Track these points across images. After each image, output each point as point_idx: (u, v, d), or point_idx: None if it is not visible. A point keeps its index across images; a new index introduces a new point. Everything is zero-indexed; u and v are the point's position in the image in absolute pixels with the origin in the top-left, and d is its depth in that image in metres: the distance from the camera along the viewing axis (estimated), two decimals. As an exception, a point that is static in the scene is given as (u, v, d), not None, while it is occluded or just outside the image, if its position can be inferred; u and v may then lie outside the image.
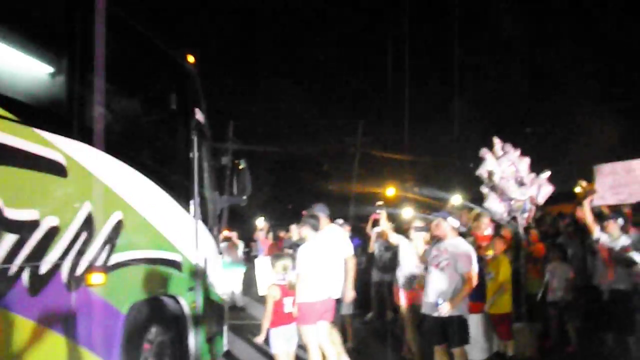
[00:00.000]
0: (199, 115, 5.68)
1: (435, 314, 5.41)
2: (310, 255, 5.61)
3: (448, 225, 5.67)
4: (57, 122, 3.55)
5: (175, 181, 5.08)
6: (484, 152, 8.73)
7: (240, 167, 6.51)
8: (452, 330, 5.38)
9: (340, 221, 12.67)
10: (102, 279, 3.80)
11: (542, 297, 7.25)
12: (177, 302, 4.97)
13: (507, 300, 6.48)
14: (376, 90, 28.18)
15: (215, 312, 6.02)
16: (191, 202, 5.26)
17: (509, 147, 9.16)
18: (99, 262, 3.80)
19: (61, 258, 3.45)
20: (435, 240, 5.84)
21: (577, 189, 8.18)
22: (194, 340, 5.13)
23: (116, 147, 4.09)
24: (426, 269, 5.81)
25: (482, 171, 8.99)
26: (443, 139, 22.05)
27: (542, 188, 8.57)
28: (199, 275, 5.60)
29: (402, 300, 7.01)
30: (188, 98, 5.45)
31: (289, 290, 5.47)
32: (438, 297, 5.39)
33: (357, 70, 28.14)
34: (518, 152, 8.66)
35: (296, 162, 24.35)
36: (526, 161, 9.05)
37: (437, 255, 5.61)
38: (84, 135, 3.71)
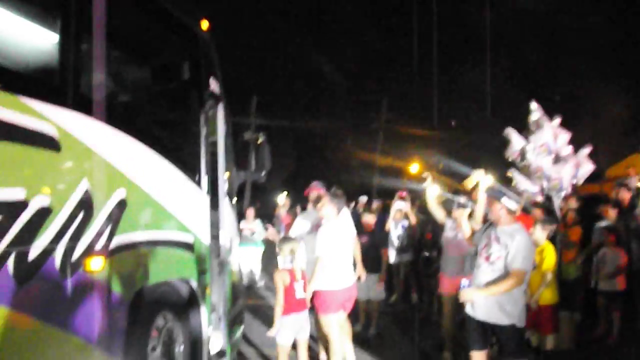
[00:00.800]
0: (214, 86, 5.26)
1: (479, 318, 4.42)
2: (333, 237, 5.18)
3: (503, 208, 4.45)
4: (49, 89, 3.18)
5: (186, 156, 4.70)
6: (510, 131, 8.12)
7: (259, 141, 6.09)
8: (504, 340, 4.41)
9: (364, 198, 12.30)
10: (102, 264, 3.45)
11: (586, 284, 6.75)
12: (189, 285, 4.64)
13: (554, 290, 5.82)
14: (403, 63, 27.23)
15: (231, 295, 5.70)
16: (204, 178, 4.89)
17: (545, 119, 8.56)
18: (99, 245, 3.45)
19: (54, 242, 3.10)
20: (487, 224, 4.76)
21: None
22: (208, 326, 4.81)
23: (118, 118, 3.71)
24: (476, 254, 4.77)
25: (510, 152, 8.40)
26: (472, 115, 21.26)
27: (581, 166, 7.96)
28: (213, 256, 5.27)
29: (445, 287, 6.25)
30: (201, 67, 5.01)
31: (297, 275, 5.10)
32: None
33: (384, 42, 27.19)
34: (557, 120, 8.02)
35: (319, 137, 23.84)
36: (565, 134, 8.45)
37: (488, 245, 4.49)
38: (81, 105, 3.33)
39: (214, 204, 5.71)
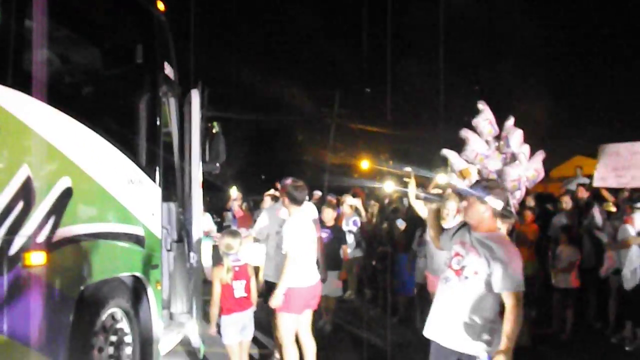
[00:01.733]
0: (168, 70, 4.97)
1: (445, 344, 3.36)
2: (299, 233, 4.95)
3: (488, 210, 3.35)
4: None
5: (137, 144, 4.40)
6: (465, 132, 7.99)
7: (214, 130, 5.83)
8: None
9: (318, 193, 12.14)
10: (43, 259, 3.14)
11: (543, 280, 6.85)
12: (139, 281, 4.35)
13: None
14: (355, 59, 27.28)
15: (184, 291, 5.43)
16: (156, 168, 4.60)
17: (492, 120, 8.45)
18: (40, 238, 3.14)
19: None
20: (459, 224, 3.65)
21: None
22: (159, 324, 4.53)
23: (64, 99, 3.42)
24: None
25: (467, 153, 8.29)
26: (425, 112, 21.48)
27: (536, 168, 8.01)
28: (164, 250, 5.00)
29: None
30: (155, 49, 4.71)
31: (239, 272, 4.78)
32: (477, 346, 3.25)
33: (337, 38, 27.16)
34: (511, 120, 7.97)
35: (271, 131, 23.52)
36: (519, 134, 8.43)
37: (460, 255, 3.38)
38: (20, 83, 3.01)
39: (168, 196, 5.45)
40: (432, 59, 23.31)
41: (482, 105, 8.13)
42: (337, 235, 7.52)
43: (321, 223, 7.85)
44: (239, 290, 4.74)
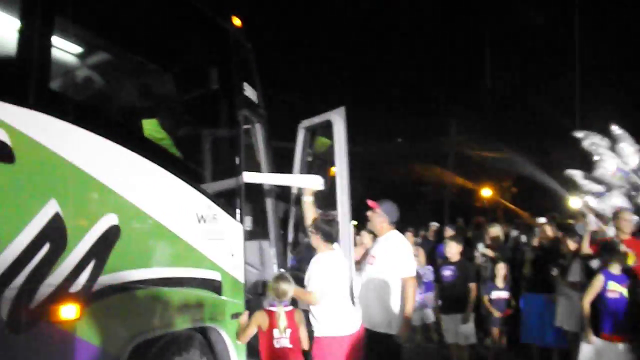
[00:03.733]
0: (250, 92, 4.45)
1: None
2: (329, 272, 4.16)
3: None
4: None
5: (211, 175, 3.88)
6: (599, 150, 7.12)
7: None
8: None
9: (435, 224, 10.94)
10: (76, 312, 2.63)
11: None
12: (214, 334, 3.74)
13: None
14: (469, 86, 25.66)
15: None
16: (236, 202, 4.03)
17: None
18: (74, 287, 2.64)
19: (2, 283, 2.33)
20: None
21: None
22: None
23: (111, 128, 2.96)
24: None
25: (603, 171, 7.30)
26: (550, 135, 19.32)
27: None
28: (248, 296, 4.37)
29: None
30: (232, 71, 4.21)
31: (279, 320, 3.89)
32: None
33: (448, 68, 25.77)
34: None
35: (387, 162, 22.71)
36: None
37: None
38: (50, 106, 2.59)
39: (255, 234, 4.88)
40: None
41: (618, 130, 7.64)
42: (463, 271, 6.47)
43: (445, 259, 6.90)
44: (281, 340, 3.88)
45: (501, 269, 6.90)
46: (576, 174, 7.29)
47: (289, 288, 3.97)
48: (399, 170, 21.99)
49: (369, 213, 4.81)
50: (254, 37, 4.46)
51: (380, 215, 4.68)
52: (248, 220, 4.46)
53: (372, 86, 23.63)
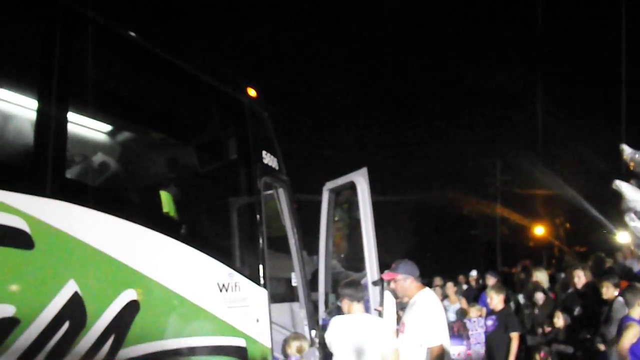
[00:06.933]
0: (269, 160, 4.62)
1: None
2: (340, 335, 4.15)
3: None
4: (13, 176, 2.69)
5: (232, 244, 4.00)
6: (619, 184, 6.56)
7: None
8: None
9: (474, 273, 10.58)
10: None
11: None
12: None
13: None
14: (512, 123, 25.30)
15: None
16: (259, 268, 4.13)
17: None
18: (94, 361, 2.77)
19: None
20: None
21: None
22: None
23: (126, 206, 3.15)
24: None
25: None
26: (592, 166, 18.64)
27: None
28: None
29: None
30: (249, 140, 4.39)
31: None
32: None
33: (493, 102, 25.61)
34: None
35: (432, 209, 22.42)
36: None
37: None
38: (67, 193, 2.80)
39: (285, 296, 4.95)
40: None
41: None
42: (503, 321, 6.25)
43: (490, 311, 6.74)
44: None
45: (559, 318, 6.16)
46: (624, 186, 6.69)
47: (306, 344, 4.34)
48: (446, 215, 21.71)
49: (391, 285, 4.52)
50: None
51: (404, 280, 4.38)
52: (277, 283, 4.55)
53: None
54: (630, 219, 6.09)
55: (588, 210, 16.65)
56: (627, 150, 7.04)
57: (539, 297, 7.06)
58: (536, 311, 7.06)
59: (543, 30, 24.01)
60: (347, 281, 4.36)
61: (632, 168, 6.94)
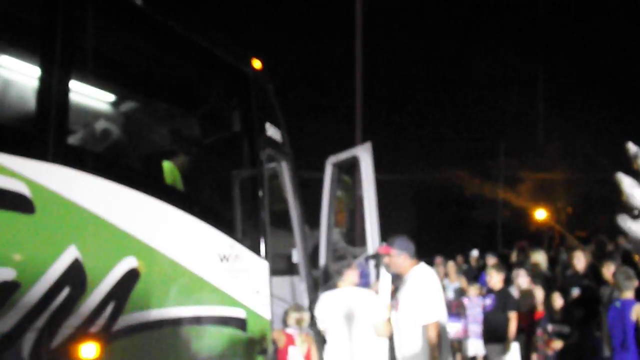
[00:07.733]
0: (272, 132, 4.59)
1: None
2: (334, 308, 4.26)
3: None
4: (19, 140, 2.68)
5: (233, 216, 4.01)
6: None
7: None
8: None
9: (475, 252, 10.61)
10: (96, 351, 2.77)
11: None
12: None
13: None
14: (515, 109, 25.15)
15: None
16: (260, 240, 4.13)
17: None
18: (94, 327, 2.79)
19: (24, 322, 2.49)
20: None
21: None
22: None
23: (129, 173, 3.14)
24: None
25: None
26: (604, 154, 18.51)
27: None
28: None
29: None
30: (252, 113, 4.36)
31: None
32: None
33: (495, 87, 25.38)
34: None
35: (434, 189, 22.38)
36: None
37: None
38: (65, 157, 2.79)
39: (290, 269, 4.98)
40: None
41: None
42: (502, 300, 6.28)
43: (488, 290, 6.77)
44: (295, 356, 4.34)
45: (557, 299, 6.14)
46: (625, 181, 6.58)
47: (307, 315, 4.44)
48: (448, 195, 21.72)
49: (385, 260, 4.39)
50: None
51: (398, 255, 4.28)
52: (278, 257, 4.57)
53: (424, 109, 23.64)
54: (621, 220, 6.00)
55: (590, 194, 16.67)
56: (632, 148, 6.92)
57: (522, 281, 6.83)
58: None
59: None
60: (336, 256, 4.43)
61: (636, 167, 6.84)
